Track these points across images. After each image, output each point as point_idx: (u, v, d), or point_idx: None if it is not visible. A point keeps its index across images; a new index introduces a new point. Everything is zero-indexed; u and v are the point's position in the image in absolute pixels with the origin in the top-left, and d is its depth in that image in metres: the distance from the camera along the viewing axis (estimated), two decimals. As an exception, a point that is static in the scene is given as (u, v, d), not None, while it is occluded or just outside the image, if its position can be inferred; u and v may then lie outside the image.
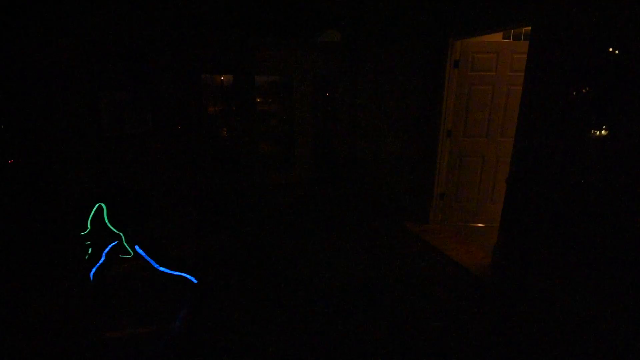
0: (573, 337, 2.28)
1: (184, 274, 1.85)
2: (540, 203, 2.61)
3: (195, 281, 1.88)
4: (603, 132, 2.15)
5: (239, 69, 5.26)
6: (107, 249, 1.70)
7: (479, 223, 4.05)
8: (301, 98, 5.80)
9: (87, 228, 1.67)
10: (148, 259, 1.73)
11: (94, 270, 1.67)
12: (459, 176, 3.95)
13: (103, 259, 1.69)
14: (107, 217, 1.69)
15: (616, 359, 2.11)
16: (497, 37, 3.72)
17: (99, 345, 1.78)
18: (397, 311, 2.57)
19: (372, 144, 5.49)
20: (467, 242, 3.66)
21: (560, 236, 2.49)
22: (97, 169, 3.56)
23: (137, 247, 1.73)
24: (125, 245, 1.70)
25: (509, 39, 3.86)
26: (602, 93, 2.13)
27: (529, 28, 2.63)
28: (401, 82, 4.44)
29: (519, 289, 2.78)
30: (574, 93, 2.29)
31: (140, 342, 1.73)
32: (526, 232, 2.76)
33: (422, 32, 3.89)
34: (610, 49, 2.06)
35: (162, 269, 1.77)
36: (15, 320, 2.45)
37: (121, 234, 1.68)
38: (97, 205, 1.67)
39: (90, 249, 1.71)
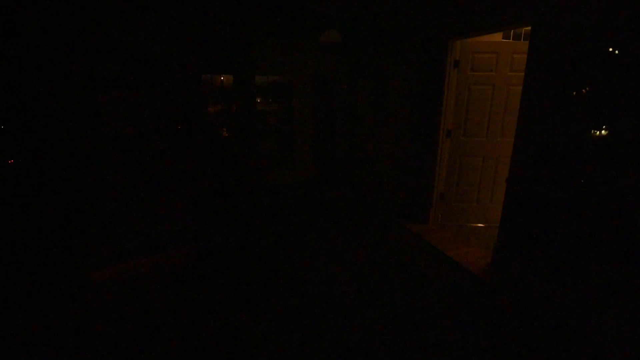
0: (573, 337, 2.28)
1: None
2: (541, 203, 2.61)
3: None
4: (603, 132, 2.15)
5: (239, 69, 5.26)
6: None
7: (479, 223, 4.05)
8: (301, 98, 5.80)
9: None
10: None
11: None
12: (459, 176, 3.95)
13: None
14: None
15: (615, 359, 2.11)
16: (497, 37, 3.72)
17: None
18: (397, 311, 2.57)
19: (372, 144, 5.49)
20: (467, 242, 3.66)
21: (560, 236, 2.49)
22: (97, 168, 3.56)
23: None
24: None
25: (509, 39, 3.86)
26: (602, 93, 2.14)
27: (529, 28, 2.64)
28: (401, 82, 4.44)
29: (519, 289, 2.78)
30: (574, 93, 2.29)
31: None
32: (526, 232, 2.76)
33: (422, 32, 3.89)
34: (610, 49, 2.06)
35: None
36: (16, 321, 2.45)
37: None
38: None
39: None
